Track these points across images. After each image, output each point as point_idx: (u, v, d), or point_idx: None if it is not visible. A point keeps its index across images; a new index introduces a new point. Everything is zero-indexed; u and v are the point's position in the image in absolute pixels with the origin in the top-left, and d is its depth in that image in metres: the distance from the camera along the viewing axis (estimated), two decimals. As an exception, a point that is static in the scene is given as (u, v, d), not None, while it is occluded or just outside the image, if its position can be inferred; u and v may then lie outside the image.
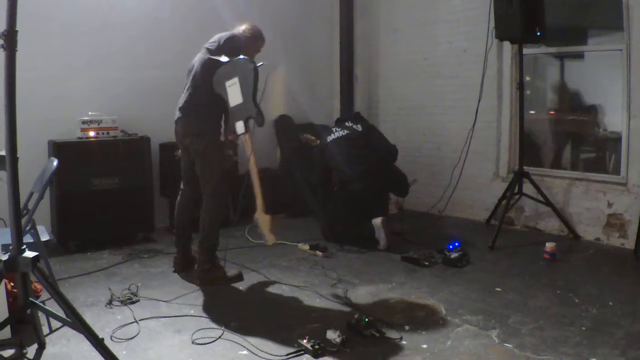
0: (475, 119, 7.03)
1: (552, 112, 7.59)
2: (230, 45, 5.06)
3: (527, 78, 7.56)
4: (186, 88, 5.18)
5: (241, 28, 5.35)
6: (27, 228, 4.07)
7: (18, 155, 3.09)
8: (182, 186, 5.49)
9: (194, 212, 5.37)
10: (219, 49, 5.04)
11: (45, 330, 3.90)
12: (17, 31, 2.95)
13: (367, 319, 4.05)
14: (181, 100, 5.17)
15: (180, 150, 5.39)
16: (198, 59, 5.16)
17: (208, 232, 5.16)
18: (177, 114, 5.16)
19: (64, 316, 3.26)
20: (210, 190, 5.14)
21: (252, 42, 5.34)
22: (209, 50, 5.10)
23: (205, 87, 5.02)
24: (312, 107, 8.85)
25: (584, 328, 4.08)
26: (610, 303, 4.56)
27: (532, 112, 7.55)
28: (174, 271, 5.49)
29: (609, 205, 6.36)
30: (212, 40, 5.19)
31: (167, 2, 7.02)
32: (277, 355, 3.69)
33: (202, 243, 5.17)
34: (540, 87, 7.89)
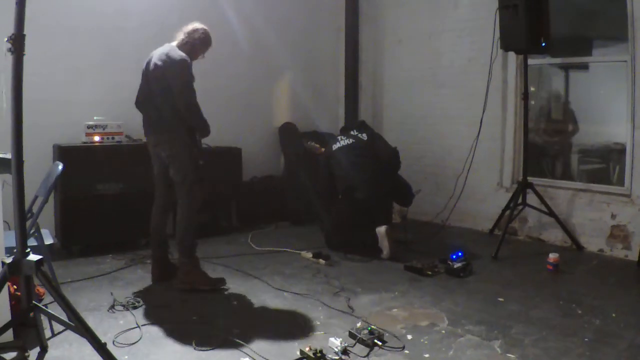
0: (480, 129, 7.02)
1: (557, 122, 7.59)
2: None
3: (532, 89, 7.57)
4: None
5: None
6: (32, 231, 4.07)
7: (23, 159, 3.10)
8: (156, 193, 5.50)
9: (169, 218, 5.47)
10: None
11: (48, 333, 3.91)
12: (24, 35, 2.96)
13: (369, 328, 4.06)
14: None
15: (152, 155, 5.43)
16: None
17: (185, 235, 5.16)
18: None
19: (66, 320, 3.26)
20: (184, 194, 5.15)
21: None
22: None
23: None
24: (316, 114, 8.88)
25: (586, 339, 4.07)
26: (614, 315, 4.55)
27: (535, 121, 7.54)
28: (152, 280, 5.42)
29: (613, 216, 6.36)
30: None
31: (175, 9, 7.04)
32: (279, 363, 3.69)
33: (179, 245, 5.16)
34: (545, 97, 7.89)
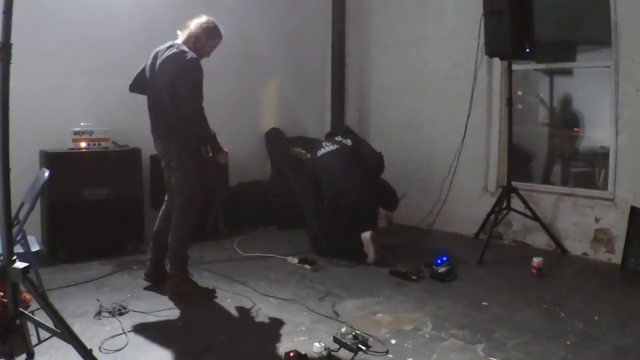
0: (465, 133, 7.07)
1: (542, 127, 7.66)
2: None
3: (519, 92, 7.63)
4: None
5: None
6: (18, 238, 4.07)
7: (10, 166, 3.12)
8: (166, 197, 5.47)
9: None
10: None
11: (34, 340, 3.90)
12: (11, 44, 2.98)
13: (353, 333, 4.08)
14: None
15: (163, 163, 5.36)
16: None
17: (178, 246, 5.11)
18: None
19: (52, 327, 3.27)
20: (182, 204, 5.10)
21: None
22: None
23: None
24: (303, 120, 8.92)
25: (569, 342, 4.11)
26: (596, 318, 4.60)
27: (521, 127, 7.59)
28: (145, 279, 5.44)
29: (597, 220, 6.42)
30: None
31: (161, 16, 7.03)
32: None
33: (171, 257, 5.14)
34: (530, 102, 7.97)
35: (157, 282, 5.38)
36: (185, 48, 4.97)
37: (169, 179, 5.27)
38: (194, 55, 4.93)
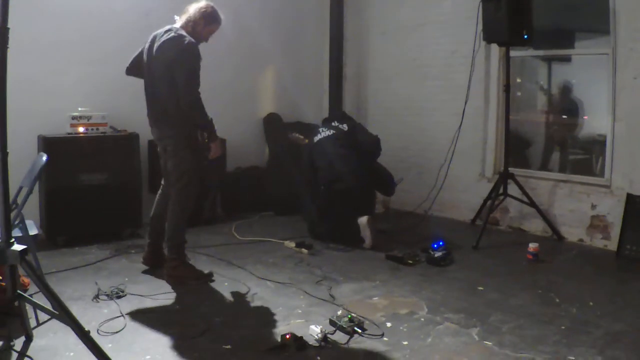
0: (462, 120, 7.08)
1: (540, 114, 7.66)
2: None
3: (518, 80, 7.64)
4: None
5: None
6: (16, 222, 4.10)
7: (8, 150, 3.13)
8: (162, 182, 5.47)
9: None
10: None
11: (33, 323, 3.94)
12: (8, 29, 2.98)
13: (349, 316, 4.12)
14: None
15: (159, 148, 5.39)
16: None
17: (174, 231, 5.14)
18: None
19: (51, 309, 3.30)
20: (178, 190, 5.12)
21: None
22: None
23: None
24: (301, 105, 8.93)
25: (563, 327, 4.15)
26: (591, 303, 4.63)
27: (518, 114, 7.60)
28: (143, 263, 5.46)
29: (593, 207, 6.44)
30: None
31: (159, 2, 7.01)
32: (260, 350, 3.74)
33: (169, 241, 5.17)
34: (528, 89, 7.97)
35: (155, 266, 5.41)
36: (183, 32, 4.94)
37: (165, 164, 5.28)
38: (192, 40, 4.90)
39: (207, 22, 5.11)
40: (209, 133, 5.02)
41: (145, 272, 5.38)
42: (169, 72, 4.85)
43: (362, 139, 6.82)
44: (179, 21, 5.11)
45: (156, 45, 4.98)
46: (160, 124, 5.14)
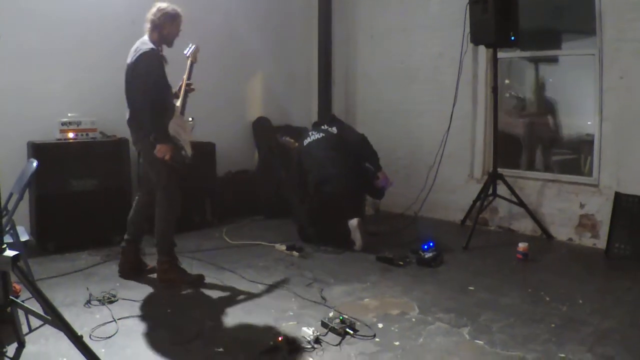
0: (450, 121, 7.12)
1: (527, 115, 7.69)
2: None
3: (507, 81, 7.68)
4: None
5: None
6: (7, 228, 4.09)
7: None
8: (139, 187, 5.50)
9: (147, 214, 5.43)
10: None
11: (25, 329, 3.93)
12: (-3, 35, 3.00)
13: (341, 317, 4.14)
14: None
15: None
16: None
17: (163, 233, 5.19)
18: None
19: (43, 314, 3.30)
20: (161, 192, 5.17)
21: None
22: None
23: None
24: (290, 109, 8.96)
25: (553, 325, 4.19)
26: (580, 301, 4.67)
27: (506, 115, 7.63)
28: (120, 276, 5.42)
29: (581, 206, 6.49)
30: None
31: (146, 9, 6.97)
32: (253, 353, 3.75)
33: (158, 245, 5.22)
34: (516, 91, 8.00)
35: (132, 274, 5.41)
36: (146, 47, 5.01)
37: (142, 170, 5.39)
38: (148, 49, 4.97)
39: (172, 21, 5.16)
40: (157, 135, 4.99)
41: (136, 277, 5.38)
42: (133, 80, 5.02)
43: (348, 139, 6.84)
44: (146, 31, 5.17)
45: (130, 57, 5.09)
46: (131, 129, 5.26)
